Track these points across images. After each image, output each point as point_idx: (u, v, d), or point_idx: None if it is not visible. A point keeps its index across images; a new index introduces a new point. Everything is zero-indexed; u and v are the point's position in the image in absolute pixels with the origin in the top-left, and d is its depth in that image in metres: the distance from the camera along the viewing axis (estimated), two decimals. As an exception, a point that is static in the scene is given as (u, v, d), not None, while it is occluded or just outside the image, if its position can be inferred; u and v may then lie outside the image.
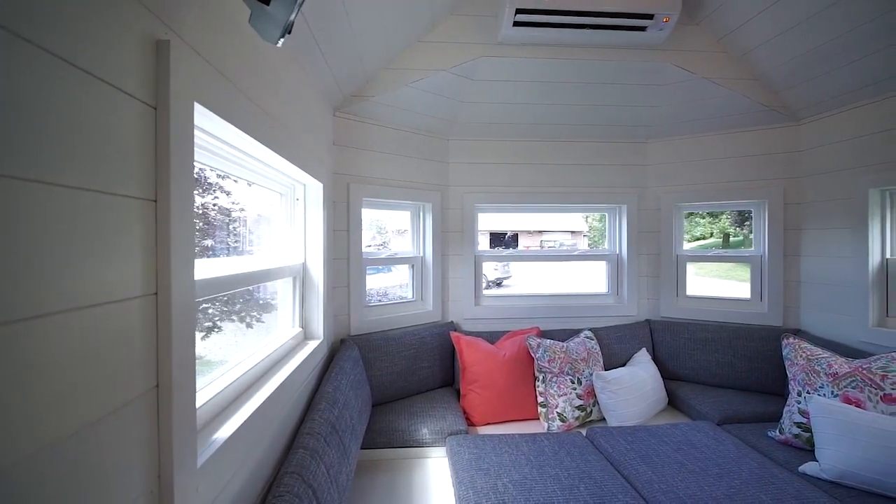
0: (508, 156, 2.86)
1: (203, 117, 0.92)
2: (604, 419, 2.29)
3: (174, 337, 0.75)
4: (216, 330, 1.51)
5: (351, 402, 1.74)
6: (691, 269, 2.90)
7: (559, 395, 2.25)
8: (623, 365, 2.57)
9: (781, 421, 2.00)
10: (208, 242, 1.39)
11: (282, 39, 0.74)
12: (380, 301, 2.67)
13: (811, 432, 1.84)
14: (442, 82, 2.36)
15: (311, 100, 1.78)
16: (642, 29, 2.17)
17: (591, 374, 2.31)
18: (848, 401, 1.81)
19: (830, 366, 1.91)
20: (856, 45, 1.90)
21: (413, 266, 2.77)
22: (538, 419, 2.29)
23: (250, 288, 1.68)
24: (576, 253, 3.03)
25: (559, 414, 2.21)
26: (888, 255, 2.14)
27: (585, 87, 2.50)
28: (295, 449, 1.25)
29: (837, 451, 1.67)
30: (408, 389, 2.43)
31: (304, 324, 1.89)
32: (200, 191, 1.44)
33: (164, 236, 0.75)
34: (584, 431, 2.14)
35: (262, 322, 1.79)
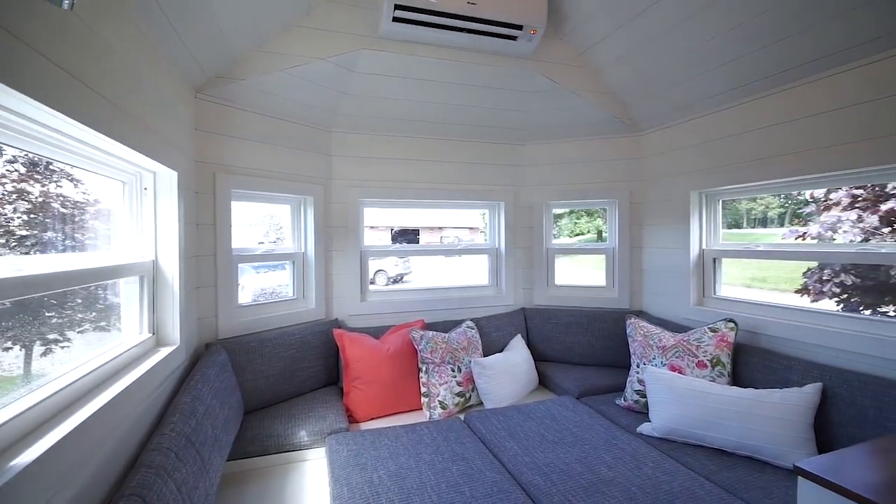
0: (393, 151, 2.87)
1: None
2: (482, 403, 2.43)
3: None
4: (65, 341, 1.30)
5: (214, 410, 1.61)
6: (569, 261, 3.20)
7: (440, 384, 2.33)
8: (500, 351, 2.75)
9: (625, 390, 2.32)
10: (30, 236, 1.17)
11: (68, 1, 0.64)
12: (254, 301, 2.50)
13: (646, 398, 2.16)
14: (322, 71, 2.28)
15: (159, 75, 1.58)
16: (513, 38, 2.32)
17: (470, 362, 2.43)
18: (673, 369, 2.16)
19: (661, 340, 2.26)
20: (685, 68, 2.25)
21: (294, 262, 2.64)
22: (422, 409, 2.35)
23: (101, 289, 1.47)
24: (459, 247, 3.17)
25: (440, 402, 2.30)
26: (704, 247, 2.59)
27: (466, 89, 2.61)
28: (137, 468, 1.12)
29: (665, 411, 1.98)
30: (287, 392, 2.31)
31: (157, 328, 1.69)
32: (41, 178, 1.22)
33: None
34: (462, 416, 2.25)
35: (118, 329, 1.57)
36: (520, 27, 2.26)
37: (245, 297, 3.25)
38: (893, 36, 1.61)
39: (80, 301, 1.44)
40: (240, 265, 2.37)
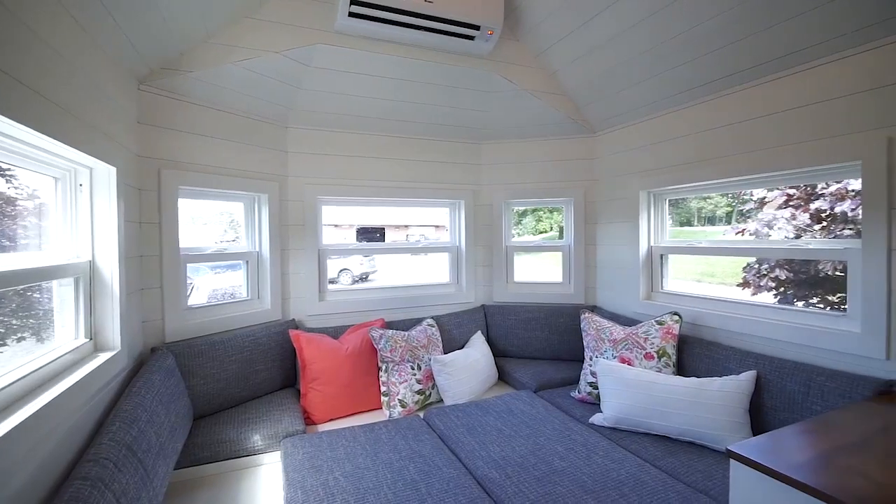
0: (352, 148, 2.83)
1: None
2: (442, 400, 2.45)
3: None
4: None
5: (159, 417, 1.54)
6: (531, 258, 3.26)
7: (400, 383, 2.33)
8: (461, 348, 2.78)
9: (579, 382, 2.40)
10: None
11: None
12: (207, 302, 2.41)
13: (598, 389, 2.24)
14: (276, 65, 2.21)
15: (94, 64, 1.49)
16: (471, 38, 2.34)
17: (430, 360, 2.44)
18: (623, 361, 2.25)
19: (612, 333, 2.35)
20: (636, 72, 2.34)
21: (248, 262, 2.55)
22: (382, 408, 2.34)
23: (34, 292, 1.37)
24: (420, 245, 3.17)
25: (400, 400, 2.29)
26: (652, 244, 2.72)
27: (425, 87, 2.61)
28: (70, 480, 1.06)
29: (615, 401, 2.06)
30: (240, 396, 2.24)
31: (94, 333, 1.59)
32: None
33: None
34: (422, 414, 2.26)
35: (50, 335, 1.47)
36: (477, 27, 2.28)
37: (200, 298, 3.12)
38: (828, 45, 1.71)
39: (14, 307, 1.35)
40: (196, 265, 2.27)
